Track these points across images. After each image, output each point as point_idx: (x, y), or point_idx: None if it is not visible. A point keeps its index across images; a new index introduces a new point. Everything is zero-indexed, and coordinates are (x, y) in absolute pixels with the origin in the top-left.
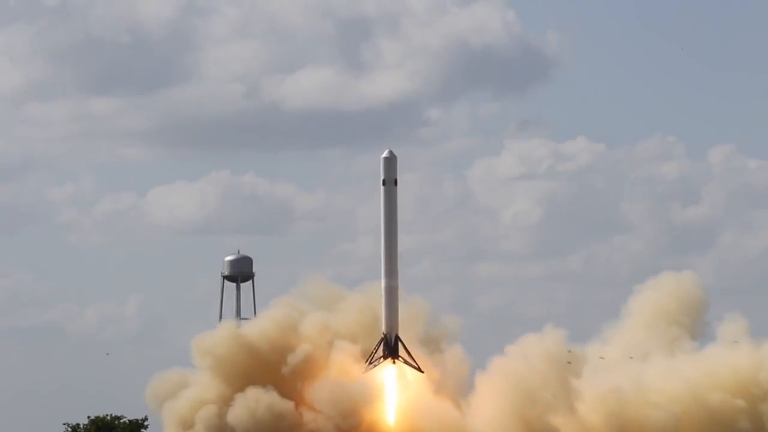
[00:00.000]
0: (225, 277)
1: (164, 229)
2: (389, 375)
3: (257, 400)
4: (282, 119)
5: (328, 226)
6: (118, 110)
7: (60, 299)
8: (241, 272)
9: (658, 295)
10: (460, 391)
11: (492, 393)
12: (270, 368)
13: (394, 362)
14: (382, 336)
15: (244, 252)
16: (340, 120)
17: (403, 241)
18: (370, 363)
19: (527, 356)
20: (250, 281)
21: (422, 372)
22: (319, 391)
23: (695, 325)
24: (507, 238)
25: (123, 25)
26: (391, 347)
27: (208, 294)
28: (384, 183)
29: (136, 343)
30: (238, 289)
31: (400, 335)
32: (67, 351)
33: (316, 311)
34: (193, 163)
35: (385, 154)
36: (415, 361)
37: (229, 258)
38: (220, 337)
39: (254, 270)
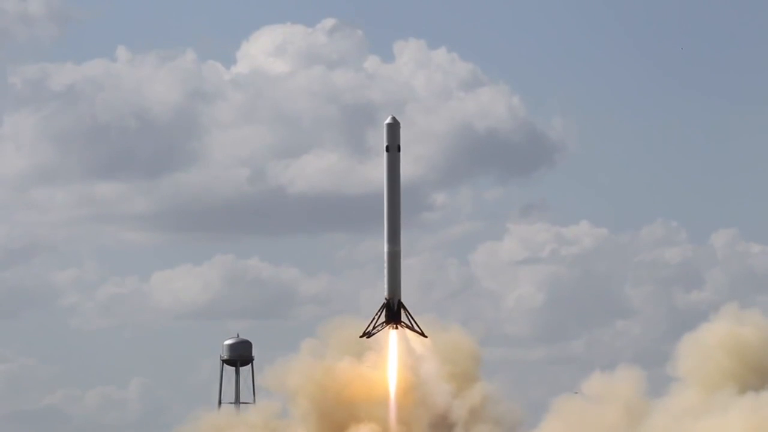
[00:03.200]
0: (224, 361)
1: (167, 312)
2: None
3: None
4: (287, 204)
5: (330, 310)
6: (122, 194)
7: (61, 383)
8: (240, 356)
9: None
10: None
11: None
12: None
13: (396, 328)
14: (385, 301)
15: (246, 336)
16: (345, 204)
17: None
18: (373, 329)
19: None
20: (250, 365)
21: (425, 337)
22: None
23: None
24: (510, 322)
25: (129, 110)
26: (393, 312)
27: (209, 378)
28: (387, 149)
29: (137, 428)
30: (237, 373)
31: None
32: None
33: None
34: (197, 247)
35: (388, 120)
36: (418, 326)
37: (228, 342)
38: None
39: (254, 354)
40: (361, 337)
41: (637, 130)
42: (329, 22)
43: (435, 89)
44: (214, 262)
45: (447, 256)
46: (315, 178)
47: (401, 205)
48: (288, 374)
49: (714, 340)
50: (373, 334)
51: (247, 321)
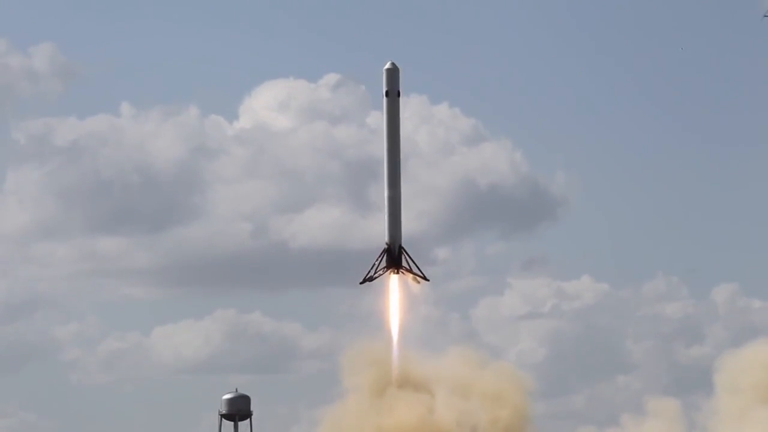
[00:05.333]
0: (222, 416)
1: (168, 367)
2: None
3: None
4: (289, 258)
5: (331, 365)
6: (124, 249)
7: None
8: (238, 410)
9: None
10: None
11: None
12: None
13: (397, 272)
14: (385, 246)
15: (246, 391)
16: (347, 259)
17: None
18: (374, 273)
19: None
20: (248, 420)
21: (427, 280)
22: None
23: None
24: None
25: (132, 165)
26: (394, 257)
27: None
28: (387, 94)
29: None
30: (235, 428)
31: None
32: None
33: None
34: (199, 302)
35: (387, 65)
36: (420, 269)
37: (226, 396)
38: None
39: (252, 408)
40: (361, 282)
41: (637, 185)
42: (332, 78)
43: (437, 144)
44: (216, 317)
45: (449, 311)
46: (317, 233)
47: (401, 149)
48: None
49: None
50: (375, 278)
51: (249, 375)
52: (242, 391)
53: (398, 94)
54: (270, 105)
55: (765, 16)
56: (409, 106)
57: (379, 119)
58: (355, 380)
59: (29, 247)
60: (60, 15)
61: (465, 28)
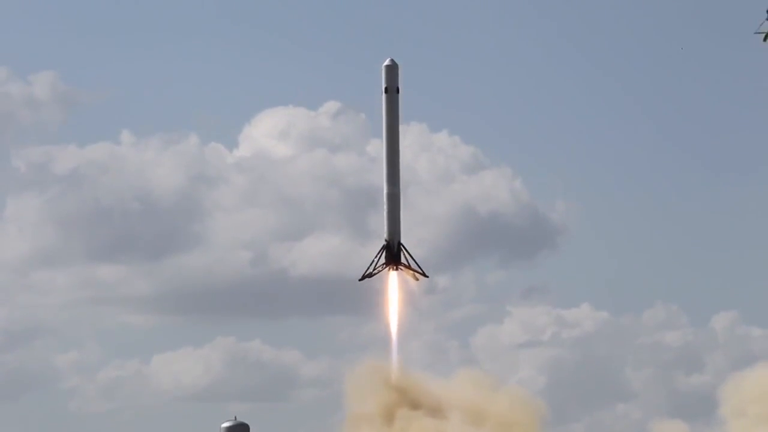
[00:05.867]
0: None
1: (167, 395)
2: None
3: None
4: (288, 286)
5: (331, 393)
6: (124, 277)
7: None
8: None
9: None
10: None
11: None
12: None
13: (396, 269)
14: (384, 243)
15: (245, 419)
16: (346, 287)
17: None
18: (373, 270)
19: None
20: None
21: (427, 276)
22: None
23: None
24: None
25: (132, 193)
26: (393, 254)
27: None
28: (386, 91)
29: None
30: None
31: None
32: None
33: None
34: (198, 330)
35: (386, 62)
36: (419, 266)
37: (226, 424)
38: None
39: None
40: (360, 279)
41: (637, 214)
42: (332, 106)
43: (437, 172)
44: (215, 345)
45: (448, 339)
46: (317, 261)
47: (400, 147)
48: None
49: None
50: (374, 275)
51: (248, 403)
52: (242, 419)
53: (397, 91)
54: (270, 133)
55: (756, 32)
56: (408, 134)
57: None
58: (361, 406)
59: (29, 275)
60: (60, 43)
61: (464, 56)
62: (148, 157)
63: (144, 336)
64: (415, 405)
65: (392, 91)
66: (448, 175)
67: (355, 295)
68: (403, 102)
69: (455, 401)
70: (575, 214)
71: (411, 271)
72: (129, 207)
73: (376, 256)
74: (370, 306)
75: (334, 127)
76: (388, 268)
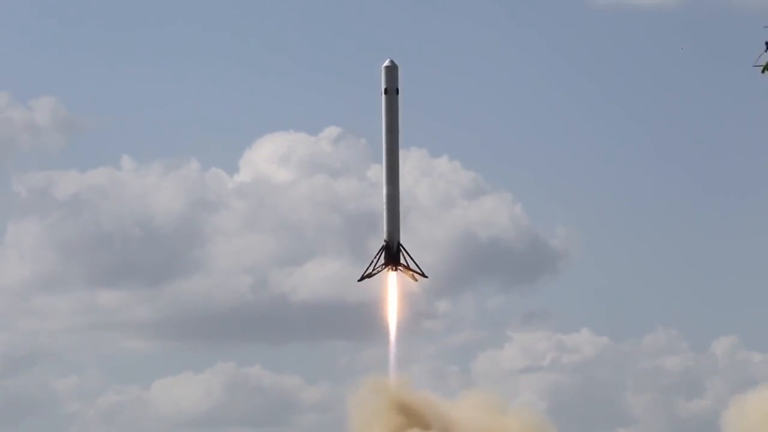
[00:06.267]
0: None
1: (168, 420)
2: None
3: None
4: (289, 311)
5: (331, 418)
6: (124, 302)
7: None
8: None
9: None
10: None
11: None
12: None
13: (394, 270)
14: (384, 243)
15: None
16: (347, 312)
17: None
18: (372, 270)
19: None
20: None
21: (426, 277)
22: None
23: None
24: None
25: (133, 218)
26: (392, 254)
27: None
28: (386, 92)
29: None
30: None
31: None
32: None
33: None
34: (199, 355)
35: (386, 63)
36: (418, 266)
37: None
38: None
39: None
40: (360, 280)
41: (637, 239)
42: (333, 131)
43: (437, 198)
44: (216, 370)
45: (448, 364)
46: (317, 286)
47: (399, 148)
48: None
49: None
50: (373, 275)
51: (249, 428)
52: None
53: (396, 92)
54: (270, 158)
55: (755, 65)
56: (409, 160)
57: (380, 173)
58: (366, 428)
59: (29, 300)
60: (61, 68)
61: (464, 83)
62: (148, 183)
63: (144, 361)
64: (425, 426)
65: (391, 92)
66: (448, 201)
67: (355, 320)
68: (403, 102)
69: (465, 422)
70: (576, 239)
71: (410, 272)
72: (130, 232)
73: (375, 257)
74: (371, 330)
75: (334, 152)
76: (387, 268)
